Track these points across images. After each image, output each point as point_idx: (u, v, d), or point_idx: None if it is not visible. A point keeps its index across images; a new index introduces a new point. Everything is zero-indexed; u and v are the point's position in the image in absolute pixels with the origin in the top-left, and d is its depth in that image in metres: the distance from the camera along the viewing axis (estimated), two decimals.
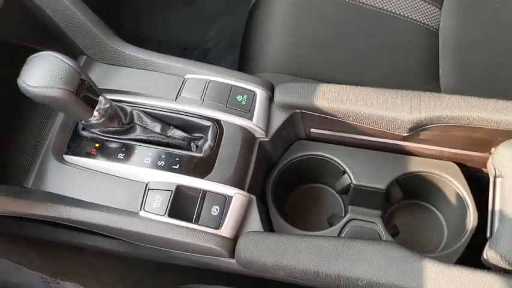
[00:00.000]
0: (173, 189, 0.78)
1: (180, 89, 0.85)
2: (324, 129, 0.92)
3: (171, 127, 0.83)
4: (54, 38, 0.87)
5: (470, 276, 0.72)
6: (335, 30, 1.09)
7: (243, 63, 1.13)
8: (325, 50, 1.08)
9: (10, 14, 0.80)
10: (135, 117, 0.81)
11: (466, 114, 0.79)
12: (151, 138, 0.82)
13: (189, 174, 0.79)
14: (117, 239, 0.86)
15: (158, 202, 0.77)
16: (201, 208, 0.78)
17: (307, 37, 1.09)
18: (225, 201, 0.79)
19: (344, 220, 0.92)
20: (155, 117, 0.83)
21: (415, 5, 1.12)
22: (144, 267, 1.00)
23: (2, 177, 0.84)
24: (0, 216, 0.80)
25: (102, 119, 0.76)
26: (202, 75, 0.86)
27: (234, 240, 0.80)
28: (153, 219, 0.77)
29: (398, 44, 1.10)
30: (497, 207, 0.78)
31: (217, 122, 0.83)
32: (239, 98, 0.85)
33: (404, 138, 0.86)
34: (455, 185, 0.90)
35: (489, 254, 0.75)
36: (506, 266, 0.74)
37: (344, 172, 0.92)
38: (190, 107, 0.84)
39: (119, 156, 0.80)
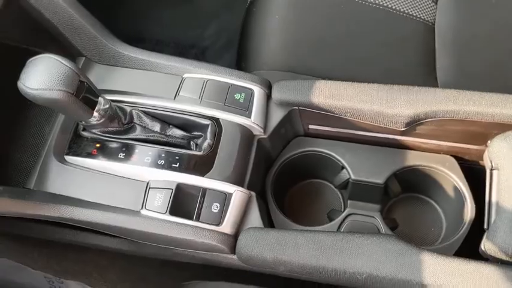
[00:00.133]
0: (174, 187, 0.78)
1: (178, 88, 0.86)
2: (322, 126, 0.92)
3: (171, 126, 0.84)
4: (53, 40, 0.87)
5: (468, 267, 0.73)
6: (332, 27, 1.10)
7: (240, 61, 1.13)
8: (322, 46, 1.08)
9: (9, 17, 0.81)
10: (135, 117, 0.82)
11: (461, 108, 0.80)
12: (151, 138, 0.82)
13: (189, 172, 0.80)
14: (120, 238, 0.87)
15: (159, 200, 0.78)
16: (202, 205, 0.79)
17: (304, 34, 1.09)
18: (225, 199, 0.79)
19: (343, 215, 0.93)
20: (154, 117, 0.84)
21: (412, 0, 1.12)
22: (148, 263, 1.00)
23: (4, 178, 0.84)
24: (4, 217, 0.81)
25: (102, 120, 0.77)
26: (200, 74, 0.87)
27: (235, 236, 0.80)
28: (155, 218, 0.78)
29: (396, 39, 1.10)
30: (494, 199, 0.79)
31: (215, 121, 0.84)
32: (237, 96, 0.85)
33: (401, 133, 0.87)
34: (452, 178, 0.91)
35: (487, 245, 0.76)
36: (503, 256, 0.75)
37: (342, 167, 0.93)
38: (189, 106, 0.84)
39: (119, 156, 0.81)
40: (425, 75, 1.07)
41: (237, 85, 0.86)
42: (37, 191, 0.82)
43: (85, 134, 0.83)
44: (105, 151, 0.81)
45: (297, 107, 0.87)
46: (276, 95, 0.87)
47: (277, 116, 0.88)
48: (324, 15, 1.10)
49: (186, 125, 0.85)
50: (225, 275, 0.93)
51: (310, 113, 0.87)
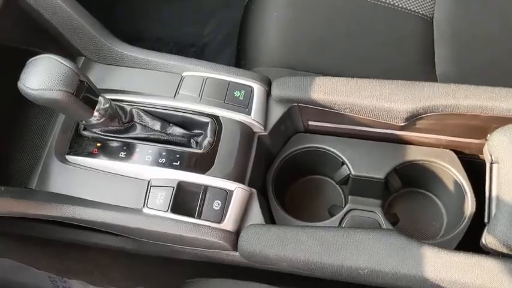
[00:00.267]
0: (175, 185, 0.79)
1: (178, 86, 0.86)
2: (321, 122, 0.92)
3: (171, 124, 0.84)
4: (52, 41, 0.87)
5: (469, 261, 0.73)
6: (330, 24, 1.10)
7: (239, 58, 1.13)
8: (321, 43, 1.08)
9: (8, 18, 0.81)
10: (135, 116, 0.82)
11: (461, 102, 0.80)
12: (152, 136, 0.83)
13: (190, 170, 0.80)
14: (122, 236, 0.87)
15: (161, 199, 0.78)
16: (203, 203, 0.79)
17: (303, 31, 1.09)
18: (226, 196, 0.80)
19: (344, 210, 0.94)
20: (155, 116, 0.84)
21: None
22: (151, 261, 1.01)
23: (5, 178, 0.85)
24: (6, 217, 0.82)
25: (103, 119, 0.77)
26: (199, 72, 0.87)
27: (237, 233, 0.81)
28: (157, 216, 0.78)
29: (395, 34, 1.09)
30: (494, 193, 0.79)
31: (216, 118, 0.84)
32: (237, 93, 0.85)
33: (401, 128, 0.87)
34: (453, 172, 0.91)
35: (487, 238, 0.76)
36: (504, 250, 0.75)
37: (343, 163, 0.93)
38: (188, 104, 0.84)
39: (120, 155, 0.81)
40: (425, 74, 1.06)
41: (237, 82, 0.86)
42: (39, 190, 0.82)
43: (86, 133, 0.83)
44: (106, 150, 0.82)
45: (296, 104, 0.87)
46: (275, 91, 0.87)
47: (277, 112, 0.88)
48: (323, 13, 1.10)
49: (186, 123, 0.85)
50: (229, 272, 0.93)
51: (310, 109, 0.88)
